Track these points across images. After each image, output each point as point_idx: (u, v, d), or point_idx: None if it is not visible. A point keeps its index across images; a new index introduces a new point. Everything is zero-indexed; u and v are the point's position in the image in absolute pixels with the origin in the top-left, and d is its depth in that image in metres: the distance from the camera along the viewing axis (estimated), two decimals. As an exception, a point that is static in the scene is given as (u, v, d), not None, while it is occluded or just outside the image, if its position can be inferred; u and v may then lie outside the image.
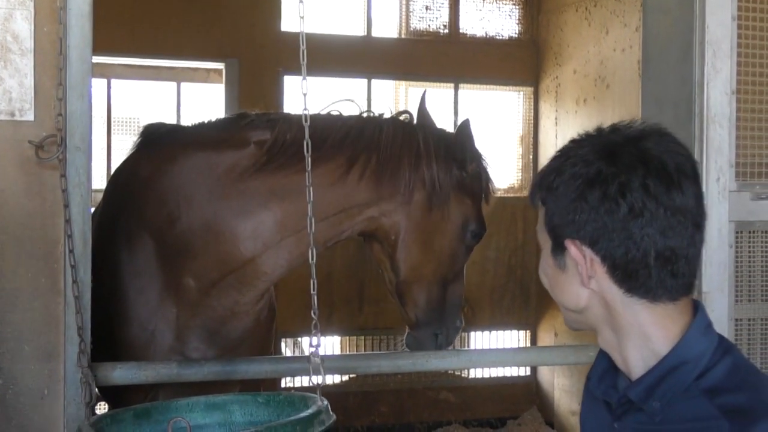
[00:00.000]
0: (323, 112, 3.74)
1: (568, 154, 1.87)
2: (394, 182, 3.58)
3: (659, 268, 1.78)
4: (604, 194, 1.77)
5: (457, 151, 3.70)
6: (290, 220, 3.47)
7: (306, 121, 2.83)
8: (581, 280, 1.84)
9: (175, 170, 3.61)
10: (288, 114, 3.77)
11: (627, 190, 1.76)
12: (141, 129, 3.89)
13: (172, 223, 3.55)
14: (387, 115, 3.81)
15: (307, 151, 2.82)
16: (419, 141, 3.64)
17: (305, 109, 2.84)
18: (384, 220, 3.66)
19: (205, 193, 3.53)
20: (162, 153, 3.68)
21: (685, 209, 1.77)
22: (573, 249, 1.83)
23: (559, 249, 1.87)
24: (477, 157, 3.79)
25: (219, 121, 3.86)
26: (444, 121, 8.72)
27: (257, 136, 3.57)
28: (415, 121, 3.84)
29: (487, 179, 3.86)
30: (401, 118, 3.86)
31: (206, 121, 3.86)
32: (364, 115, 3.78)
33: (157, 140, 3.76)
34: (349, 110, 3.80)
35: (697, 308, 1.88)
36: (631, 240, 1.77)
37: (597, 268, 1.81)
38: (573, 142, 1.91)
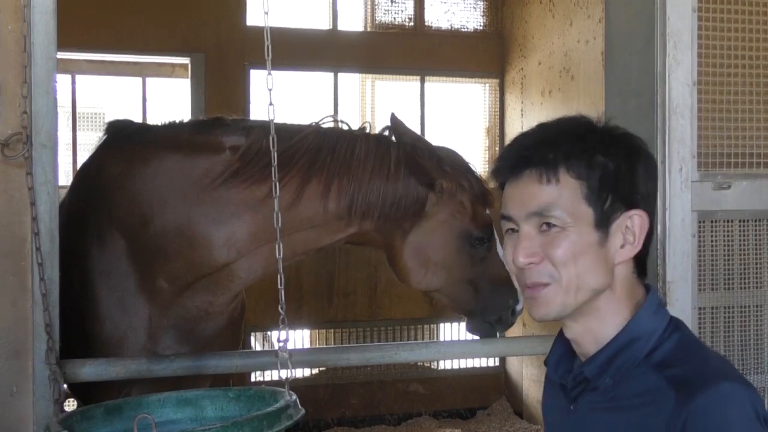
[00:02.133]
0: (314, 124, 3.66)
1: (576, 133, 1.92)
2: (366, 204, 3.52)
3: (650, 240, 1.92)
4: (648, 165, 1.93)
5: (421, 176, 3.58)
6: (264, 230, 3.42)
7: (272, 129, 2.82)
8: (630, 251, 1.89)
9: (148, 171, 3.56)
10: (265, 122, 3.74)
11: (655, 167, 1.98)
12: (106, 125, 3.83)
13: (144, 224, 3.51)
14: (369, 130, 3.75)
15: (274, 152, 2.82)
16: (390, 164, 3.56)
17: (270, 104, 2.85)
18: (372, 235, 3.63)
19: (179, 198, 3.50)
20: (134, 152, 3.62)
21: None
22: (638, 220, 1.89)
23: (605, 221, 1.86)
24: (449, 174, 3.65)
25: (194, 123, 3.80)
26: (411, 114, 8.77)
27: (232, 142, 3.53)
28: (391, 139, 3.72)
29: (474, 187, 3.72)
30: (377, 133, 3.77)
31: (178, 122, 3.81)
32: (344, 126, 3.70)
33: (127, 138, 3.71)
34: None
35: (648, 290, 1.95)
36: (655, 211, 1.96)
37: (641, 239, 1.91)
38: (550, 127, 1.96)
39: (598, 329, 1.91)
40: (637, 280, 1.93)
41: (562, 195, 1.86)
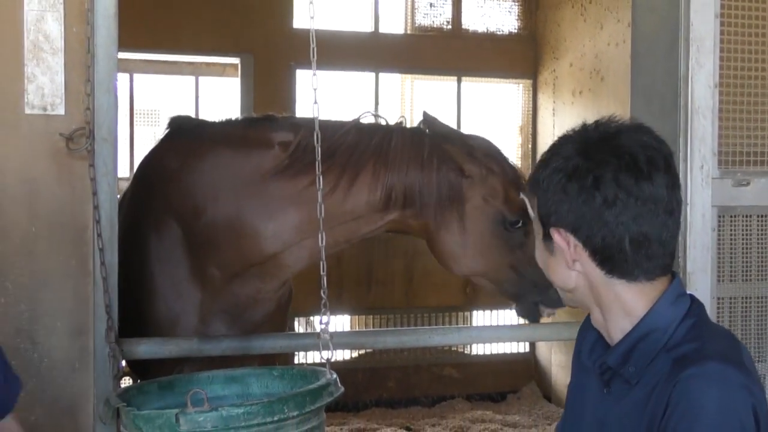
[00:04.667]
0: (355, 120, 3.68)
1: (554, 150, 1.96)
2: (403, 193, 3.53)
3: (634, 251, 1.87)
4: (581, 187, 1.86)
5: (451, 163, 3.59)
6: (308, 223, 3.43)
7: (316, 126, 2.86)
8: (566, 263, 1.93)
9: (202, 166, 3.59)
10: (310, 119, 3.72)
11: (600, 182, 1.85)
12: (168, 120, 3.86)
13: (197, 215, 3.55)
14: (405, 124, 3.77)
15: (318, 148, 2.86)
16: (424, 153, 3.57)
17: (315, 102, 2.89)
18: (411, 221, 3.62)
19: (230, 192, 3.52)
20: (190, 147, 3.67)
21: (655, 198, 1.85)
22: (557, 236, 1.93)
23: (548, 236, 1.96)
24: (479, 160, 3.63)
25: (246, 120, 3.83)
26: (448, 113, 8.77)
27: (280, 138, 3.54)
28: (425, 131, 3.74)
29: (506, 172, 3.68)
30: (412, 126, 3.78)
31: (233, 119, 3.83)
32: (382, 121, 3.75)
33: (186, 133, 3.76)
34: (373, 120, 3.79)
35: (672, 282, 1.95)
36: (607, 227, 1.86)
37: (580, 253, 1.91)
38: (561, 138, 1.99)
39: (603, 322, 1.97)
40: (616, 280, 1.91)
41: (533, 208, 2.02)
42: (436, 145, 3.60)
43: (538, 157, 1.99)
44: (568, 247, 1.91)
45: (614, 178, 1.84)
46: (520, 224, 3.58)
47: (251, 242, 3.51)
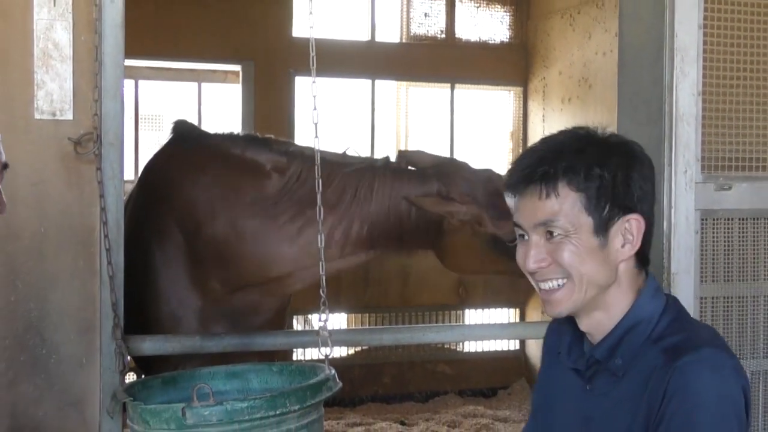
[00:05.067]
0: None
1: (578, 148, 1.92)
2: (385, 235, 3.54)
3: (650, 236, 1.94)
4: (645, 175, 1.93)
5: (431, 212, 3.55)
6: (304, 257, 3.47)
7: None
8: (627, 253, 1.92)
9: (204, 180, 3.59)
10: (305, 149, 3.65)
11: (650, 167, 1.96)
12: (172, 124, 3.86)
13: (198, 229, 3.55)
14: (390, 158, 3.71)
15: (318, 167, 2.87)
16: (402, 202, 3.53)
17: (315, 108, 2.90)
18: (411, 247, 3.67)
19: (228, 213, 3.51)
20: (193, 159, 3.66)
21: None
22: (634, 221, 1.91)
23: (603, 227, 1.89)
24: (461, 197, 3.56)
25: (246, 139, 3.79)
26: (442, 118, 8.78)
27: (277, 163, 3.54)
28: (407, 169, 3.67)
29: (488, 203, 3.59)
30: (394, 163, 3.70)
31: (235, 134, 3.81)
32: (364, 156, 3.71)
33: (189, 143, 3.75)
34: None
35: (646, 275, 1.99)
36: (652, 212, 1.94)
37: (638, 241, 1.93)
38: (552, 140, 1.97)
39: (608, 319, 1.95)
40: (638, 271, 1.96)
41: (563, 207, 1.89)
42: (413, 197, 3.54)
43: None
44: (640, 232, 1.92)
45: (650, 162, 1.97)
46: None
47: (249, 265, 3.52)
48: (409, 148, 3.87)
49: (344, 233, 3.47)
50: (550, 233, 1.90)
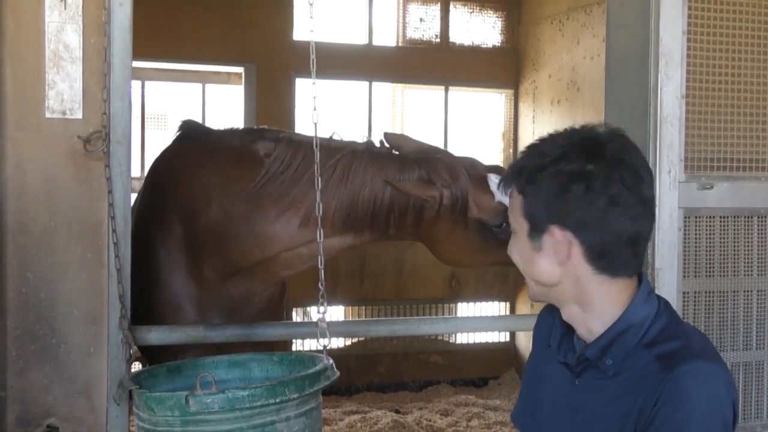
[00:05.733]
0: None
1: (544, 152, 1.91)
2: (363, 218, 3.46)
3: (627, 249, 1.87)
4: (588, 187, 1.83)
5: (412, 196, 3.45)
6: (289, 239, 3.45)
7: (315, 131, 2.85)
8: (558, 259, 1.90)
9: (203, 173, 3.58)
10: (289, 134, 3.63)
11: (609, 182, 1.83)
12: (180, 123, 3.86)
13: (195, 219, 3.55)
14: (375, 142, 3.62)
15: (317, 151, 2.87)
16: (382, 183, 3.44)
17: (315, 109, 2.90)
18: (395, 232, 3.56)
19: (219, 200, 3.50)
20: (194, 153, 3.67)
21: (649, 200, 1.88)
22: (557, 233, 1.88)
23: (536, 233, 1.91)
24: (443, 182, 3.47)
25: (244, 131, 3.78)
26: (436, 119, 8.78)
27: (264, 149, 3.51)
28: (389, 153, 3.58)
29: (466, 190, 3.48)
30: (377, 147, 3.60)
31: (236, 129, 3.79)
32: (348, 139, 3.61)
33: (193, 139, 3.75)
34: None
35: (641, 278, 1.96)
36: (609, 227, 1.84)
37: (575, 250, 1.88)
38: (546, 141, 1.95)
39: (582, 317, 1.95)
40: (603, 276, 1.91)
41: (513, 206, 1.97)
42: (395, 180, 3.45)
43: (533, 161, 1.94)
44: (565, 245, 1.88)
45: (620, 178, 1.83)
46: (504, 225, 3.44)
47: (236, 250, 3.50)
48: (393, 132, 3.73)
49: (323, 213, 3.42)
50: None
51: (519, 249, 1.98)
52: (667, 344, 1.85)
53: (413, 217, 3.48)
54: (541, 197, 1.89)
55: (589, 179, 1.83)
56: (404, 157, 3.54)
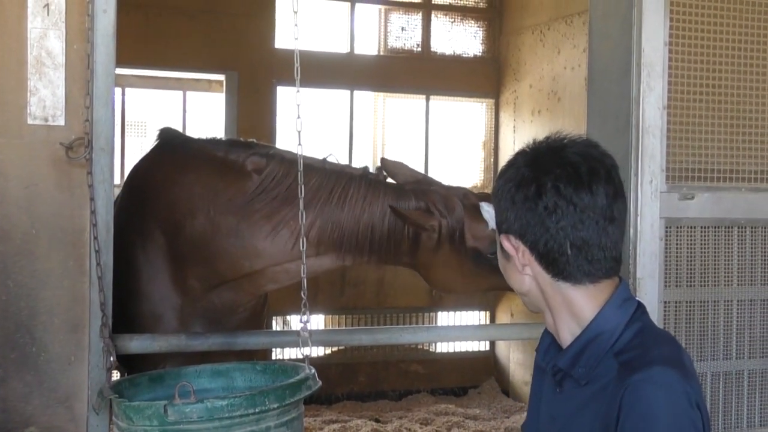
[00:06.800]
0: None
1: (508, 162, 1.97)
2: (355, 243, 3.47)
3: (575, 256, 1.87)
4: (526, 195, 1.88)
5: (407, 224, 3.48)
6: (277, 253, 3.44)
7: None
8: (519, 267, 1.94)
9: (185, 182, 3.55)
10: (283, 152, 3.62)
11: (542, 191, 1.86)
12: (158, 131, 3.82)
13: (178, 229, 3.52)
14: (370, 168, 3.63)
15: (300, 163, 2.87)
16: (377, 210, 3.47)
17: (298, 117, 2.90)
18: (391, 258, 3.57)
19: (206, 212, 3.47)
20: (175, 162, 3.63)
21: (593, 206, 1.85)
22: (506, 243, 1.94)
23: (501, 243, 1.97)
24: (439, 213, 3.50)
25: (229, 143, 3.75)
26: (417, 128, 8.80)
27: (255, 164, 3.49)
28: (385, 181, 3.60)
29: (462, 220, 3.52)
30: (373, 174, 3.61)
31: (218, 138, 3.76)
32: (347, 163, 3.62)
33: (173, 148, 3.72)
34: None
35: (618, 286, 1.95)
36: (549, 233, 1.86)
37: (528, 258, 1.92)
38: (518, 152, 1.99)
39: (554, 325, 1.97)
40: (564, 283, 1.91)
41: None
42: (391, 207, 3.47)
43: (500, 170, 2.01)
44: (517, 252, 1.92)
45: (554, 186, 1.85)
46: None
47: (223, 262, 3.48)
48: (391, 158, 3.76)
49: (315, 233, 3.43)
50: None
51: (500, 263, 2.04)
52: (631, 353, 1.85)
53: (409, 245, 3.52)
54: (498, 207, 1.96)
55: (526, 187, 1.88)
56: (400, 186, 3.59)
